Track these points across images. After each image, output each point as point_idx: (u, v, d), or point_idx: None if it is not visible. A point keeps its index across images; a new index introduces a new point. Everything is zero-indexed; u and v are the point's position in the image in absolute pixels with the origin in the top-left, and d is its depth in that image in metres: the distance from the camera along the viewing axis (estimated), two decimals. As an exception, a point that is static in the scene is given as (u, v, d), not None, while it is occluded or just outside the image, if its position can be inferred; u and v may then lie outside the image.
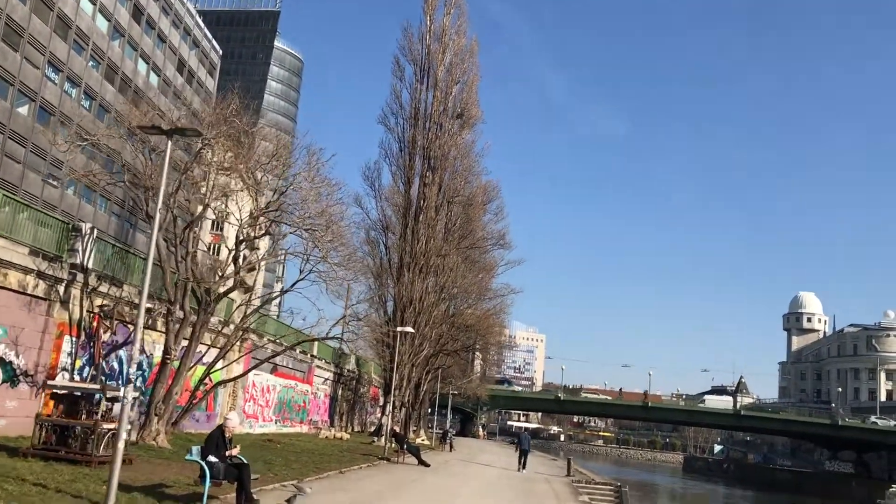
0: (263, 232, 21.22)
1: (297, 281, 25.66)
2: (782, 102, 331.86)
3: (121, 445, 10.14)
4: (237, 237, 21.11)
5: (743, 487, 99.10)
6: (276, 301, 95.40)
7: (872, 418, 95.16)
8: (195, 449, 11.08)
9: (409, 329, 37.97)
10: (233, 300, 29.93)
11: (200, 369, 26.08)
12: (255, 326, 29.57)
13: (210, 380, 28.65)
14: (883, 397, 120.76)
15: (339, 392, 52.45)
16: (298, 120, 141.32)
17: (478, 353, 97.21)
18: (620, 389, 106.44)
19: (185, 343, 21.94)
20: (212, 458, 10.80)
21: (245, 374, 26.48)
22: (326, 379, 48.98)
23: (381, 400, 56.10)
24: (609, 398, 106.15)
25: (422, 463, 27.83)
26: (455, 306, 62.51)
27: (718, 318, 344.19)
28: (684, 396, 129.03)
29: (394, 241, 55.08)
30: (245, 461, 12.22)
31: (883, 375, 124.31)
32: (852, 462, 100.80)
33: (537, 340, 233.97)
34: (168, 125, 11.04)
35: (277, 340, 28.95)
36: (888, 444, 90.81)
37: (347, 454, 27.82)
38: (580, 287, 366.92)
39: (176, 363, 21.84)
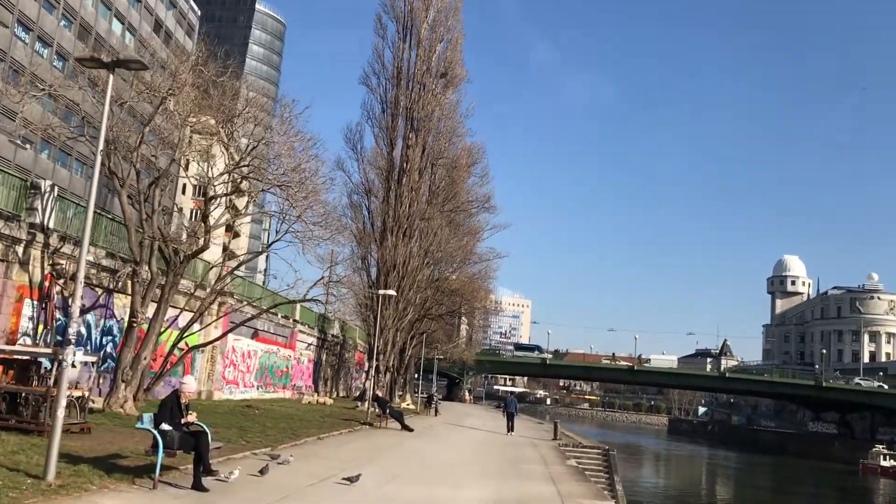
0: (235, 189, 20.06)
1: (273, 242, 24.64)
2: (772, 70, 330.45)
3: (60, 413, 9.18)
4: (206, 194, 19.95)
5: (727, 449, 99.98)
6: (263, 267, 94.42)
7: (856, 379, 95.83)
8: (147, 416, 10.12)
9: (391, 292, 37.07)
10: (208, 263, 28.87)
11: (174, 334, 25.08)
12: (234, 290, 28.55)
13: (187, 345, 27.82)
14: (866, 359, 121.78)
15: (324, 357, 51.67)
16: (281, 84, 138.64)
17: (464, 318, 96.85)
18: (613, 354, 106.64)
19: (154, 306, 20.89)
20: (165, 427, 9.84)
21: (221, 338, 25.51)
22: (310, 344, 48.13)
23: (367, 365, 55.46)
24: (595, 363, 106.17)
25: (405, 428, 27.10)
26: (439, 271, 61.71)
27: (704, 283, 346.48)
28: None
29: (377, 204, 53.98)
30: (205, 428, 11.28)
31: (866, 337, 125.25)
32: (835, 423, 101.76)
33: (523, 306, 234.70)
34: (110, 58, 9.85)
35: (254, 304, 27.92)
36: (871, 405, 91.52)
37: (329, 420, 27.01)
38: (566, 253, 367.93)
39: (144, 326, 20.80)
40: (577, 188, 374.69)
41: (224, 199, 22.24)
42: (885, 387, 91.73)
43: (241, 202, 26.79)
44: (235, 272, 28.71)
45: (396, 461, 16.80)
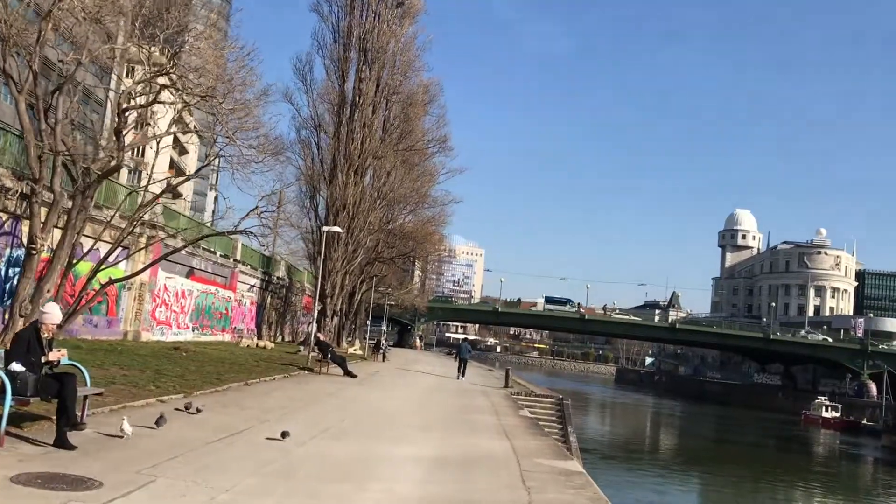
0: (153, 99, 17.45)
1: (201, 167, 22.12)
2: (728, 26, 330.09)
3: None
4: (119, 104, 17.27)
5: (673, 398, 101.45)
6: (212, 209, 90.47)
7: (802, 332, 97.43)
8: (-6, 354, 7.88)
9: (337, 229, 34.86)
10: (135, 191, 26.16)
11: (89, 266, 22.52)
12: (156, 219, 25.96)
13: (111, 280, 25.28)
14: (811, 312, 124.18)
15: (268, 300, 49.26)
16: (231, 13, 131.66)
17: (417, 265, 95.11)
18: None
19: (60, 233, 18.30)
20: (15, 367, 7.61)
21: (141, 271, 23.04)
22: (253, 286, 45.65)
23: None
24: (545, 311, 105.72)
25: (347, 374, 25.18)
26: (392, 213, 59.48)
27: (657, 235, 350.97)
28: (617, 310, 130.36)
29: (327, 141, 51.20)
30: (82, 370, 9.10)
31: (812, 291, 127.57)
32: (780, 375, 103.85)
33: (477, 255, 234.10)
34: None
35: (183, 237, 25.38)
36: (816, 358, 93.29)
37: (263, 364, 24.89)
38: (521, 202, 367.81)
39: (48, 255, 18.25)
40: (533, 138, 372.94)
41: (145, 115, 19.59)
42: (830, 340, 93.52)
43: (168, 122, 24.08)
44: (165, 202, 26.16)
45: (329, 411, 14.84)
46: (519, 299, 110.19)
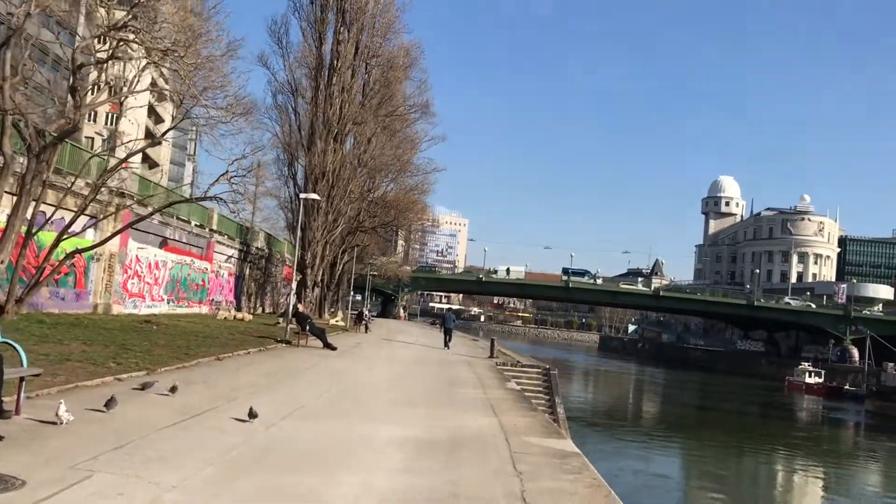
0: (110, 55, 16.15)
1: (169, 129, 20.86)
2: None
3: None
4: (73, 60, 15.97)
5: (656, 366, 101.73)
6: (191, 180, 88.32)
7: (786, 299, 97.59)
8: None
9: (315, 196, 33.62)
10: (97, 155, 24.85)
11: (50, 236, 21.30)
12: (120, 185, 24.68)
13: (79, 251, 24.09)
14: (794, 279, 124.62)
15: (247, 271, 48.04)
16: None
17: (400, 235, 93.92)
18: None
19: (14, 200, 17.09)
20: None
21: (107, 241, 21.84)
22: (230, 257, 44.37)
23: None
24: (529, 280, 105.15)
25: (327, 346, 24.25)
26: (374, 182, 58.23)
27: (640, 203, 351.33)
28: (602, 278, 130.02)
29: (305, 106, 49.71)
30: (16, 346, 8.08)
31: (795, 258, 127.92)
32: (763, 341, 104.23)
33: (460, 224, 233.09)
34: None
35: (146, 201, 24.13)
36: (799, 324, 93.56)
37: (239, 337, 23.87)
38: (504, 172, 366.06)
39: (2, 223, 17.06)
40: (515, 108, 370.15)
41: (106, 73, 18.26)
42: (813, 305, 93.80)
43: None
44: (136, 171, 24.86)
45: (305, 388, 13.87)
46: (509, 269, 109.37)
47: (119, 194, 26.30)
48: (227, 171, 18.44)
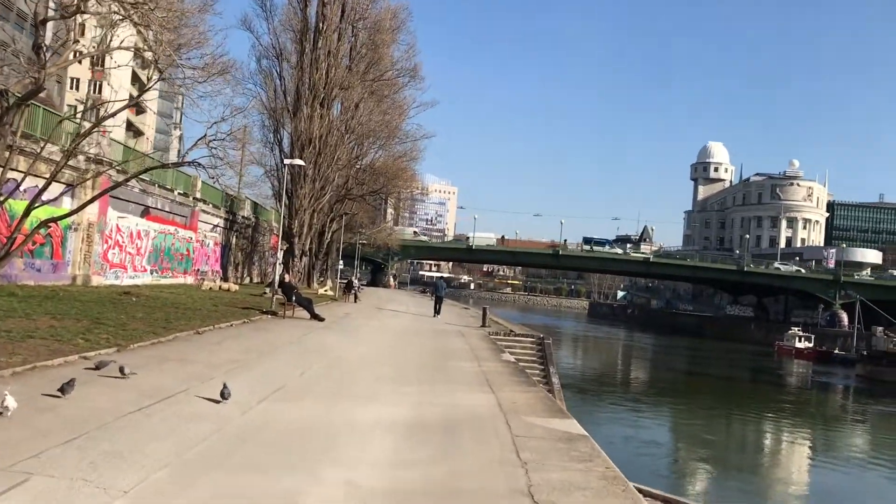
0: (76, 8, 14.98)
1: (144, 91, 19.71)
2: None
3: None
4: (35, 14, 14.81)
5: (645, 331, 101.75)
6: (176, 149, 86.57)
7: (775, 264, 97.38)
8: None
9: (300, 161, 32.55)
10: (68, 118, 23.63)
11: (23, 205, 20.20)
12: (92, 151, 23.54)
13: (58, 225, 23.08)
14: (783, 244, 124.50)
15: (233, 241, 46.95)
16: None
17: (389, 203, 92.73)
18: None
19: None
20: None
21: (82, 207, 20.73)
22: (216, 226, 43.26)
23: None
24: (519, 247, 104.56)
25: (314, 317, 23.38)
26: (362, 148, 56.96)
27: (629, 169, 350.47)
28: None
29: (290, 71, 48.27)
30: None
31: (784, 223, 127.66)
32: (752, 306, 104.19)
33: (450, 193, 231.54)
34: None
35: (122, 167, 23.00)
36: (789, 289, 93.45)
37: (222, 308, 22.96)
38: (493, 140, 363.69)
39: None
40: (505, 75, 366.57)
41: (74, 29, 17.02)
42: (803, 271, 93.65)
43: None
44: (109, 136, 23.69)
45: (288, 364, 13.03)
46: (502, 236, 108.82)
47: (96, 161, 25.17)
48: (205, 135, 17.33)
